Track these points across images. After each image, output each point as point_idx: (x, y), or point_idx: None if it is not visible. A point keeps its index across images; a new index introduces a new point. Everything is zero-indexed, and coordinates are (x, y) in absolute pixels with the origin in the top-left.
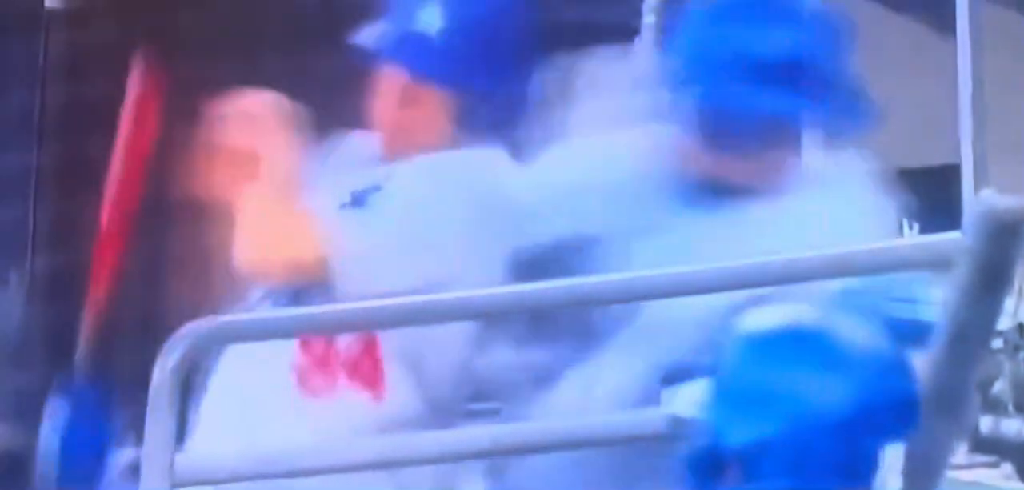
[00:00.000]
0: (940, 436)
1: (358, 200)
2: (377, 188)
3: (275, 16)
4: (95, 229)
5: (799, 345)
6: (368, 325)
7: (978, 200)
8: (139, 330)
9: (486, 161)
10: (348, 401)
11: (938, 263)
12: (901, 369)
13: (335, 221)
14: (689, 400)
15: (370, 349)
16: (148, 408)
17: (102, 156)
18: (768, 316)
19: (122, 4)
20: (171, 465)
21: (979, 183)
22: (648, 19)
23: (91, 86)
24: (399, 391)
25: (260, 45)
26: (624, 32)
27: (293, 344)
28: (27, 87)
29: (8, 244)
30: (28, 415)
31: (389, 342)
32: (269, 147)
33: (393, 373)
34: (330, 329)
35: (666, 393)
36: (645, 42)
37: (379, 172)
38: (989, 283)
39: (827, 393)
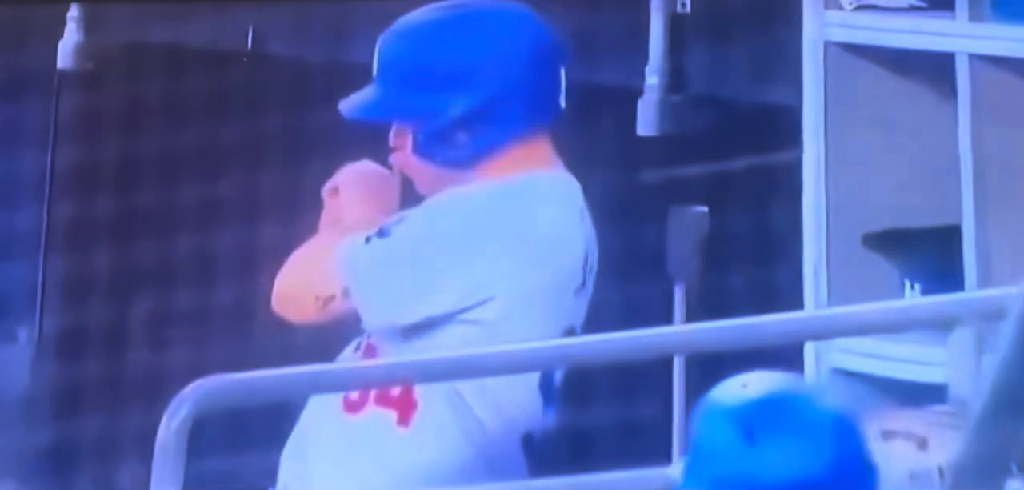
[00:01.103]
0: None
1: (382, 232)
2: (404, 218)
3: (281, 77)
4: (103, 288)
5: (758, 413)
6: (378, 382)
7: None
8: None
9: (516, 190)
10: (375, 420)
11: (939, 323)
12: (854, 435)
13: (356, 253)
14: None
15: None
16: (153, 465)
17: (111, 216)
18: (737, 384)
19: (133, 66)
20: None
21: (980, 243)
22: (651, 80)
23: (101, 147)
24: (432, 422)
25: (264, 104)
26: (627, 94)
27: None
28: (38, 147)
29: (17, 302)
30: (35, 474)
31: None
32: (351, 205)
33: (428, 404)
34: (338, 387)
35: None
36: (648, 103)
37: (411, 209)
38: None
39: (775, 460)
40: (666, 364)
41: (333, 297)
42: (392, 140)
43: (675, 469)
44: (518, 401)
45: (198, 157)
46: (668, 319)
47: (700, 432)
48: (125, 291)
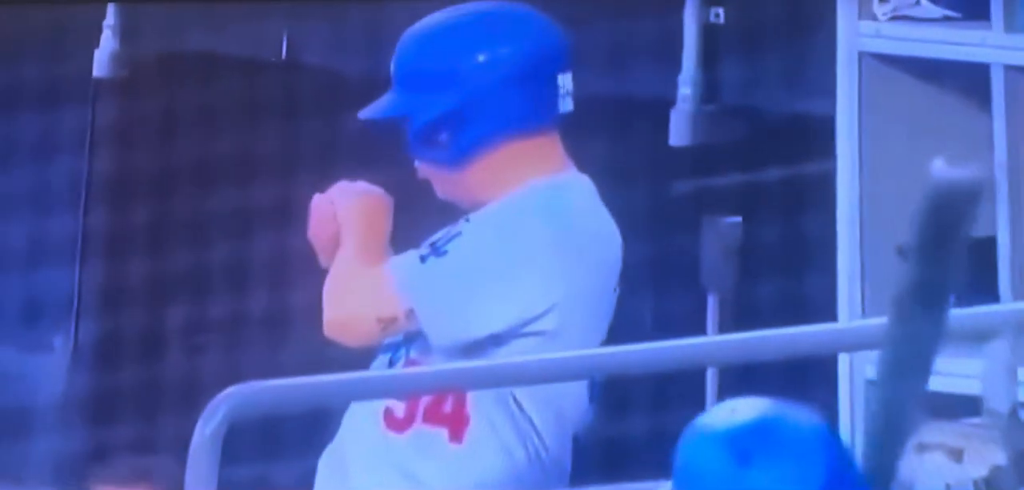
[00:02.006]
0: (898, 435)
1: (437, 249)
2: (458, 234)
3: (315, 85)
4: (138, 295)
5: (749, 436)
6: (415, 390)
7: (933, 168)
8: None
9: (568, 187)
10: (423, 437)
11: (973, 335)
12: (844, 457)
13: (416, 273)
14: None
15: (457, 394)
16: (187, 472)
17: (146, 224)
18: (726, 409)
19: (168, 74)
20: None
21: (1016, 254)
22: (684, 90)
23: (137, 154)
24: (488, 434)
25: (298, 113)
26: (660, 104)
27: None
28: (74, 154)
29: (53, 310)
30: (71, 480)
31: (483, 394)
32: (351, 224)
33: (482, 417)
34: (375, 394)
35: None
36: (680, 113)
37: (459, 219)
38: (940, 253)
39: (766, 483)
40: (699, 374)
41: (396, 319)
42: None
43: None
44: (575, 404)
45: (232, 165)
46: (701, 329)
47: (689, 456)
48: (160, 298)
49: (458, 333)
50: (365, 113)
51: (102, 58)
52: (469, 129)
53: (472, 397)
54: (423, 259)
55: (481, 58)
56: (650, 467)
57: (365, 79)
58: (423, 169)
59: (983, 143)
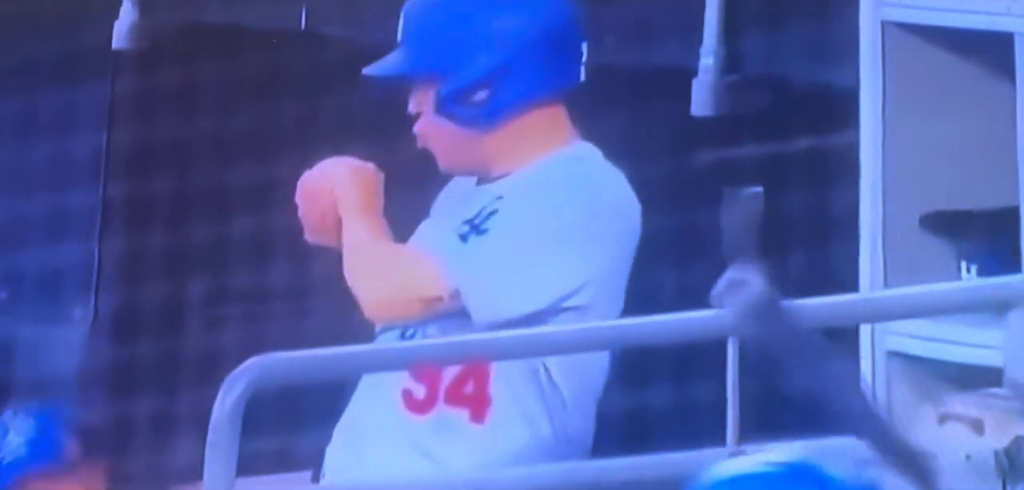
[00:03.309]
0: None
1: (478, 228)
2: (495, 211)
3: (334, 55)
4: (159, 266)
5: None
6: (433, 360)
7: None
8: None
9: (588, 159)
10: (446, 419)
11: (996, 306)
12: None
13: (458, 253)
14: None
15: (478, 373)
16: (208, 444)
17: (166, 196)
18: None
19: (187, 46)
20: None
21: None
22: (705, 61)
23: (157, 126)
24: (512, 412)
25: (317, 84)
26: (681, 74)
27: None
28: (94, 127)
29: (73, 281)
30: (90, 452)
31: (504, 373)
32: (351, 199)
33: (506, 395)
34: (393, 366)
35: None
36: (702, 83)
37: (486, 194)
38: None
39: None
40: (720, 345)
41: (440, 298)
42: (413, 106)
43: None
44: (601, 373)
45: (252, 137)
46: None
47: None
48: (180, 270)
49: (502, 311)
50: (375, 69)
51: (122, 30)
52: (508, 89)
53: (495, 376)
54: (463, 238)
55: (519, 18)
56: (671, 438)
57: (384, 49)
58: (438, 134)
59: (1007, 112)
